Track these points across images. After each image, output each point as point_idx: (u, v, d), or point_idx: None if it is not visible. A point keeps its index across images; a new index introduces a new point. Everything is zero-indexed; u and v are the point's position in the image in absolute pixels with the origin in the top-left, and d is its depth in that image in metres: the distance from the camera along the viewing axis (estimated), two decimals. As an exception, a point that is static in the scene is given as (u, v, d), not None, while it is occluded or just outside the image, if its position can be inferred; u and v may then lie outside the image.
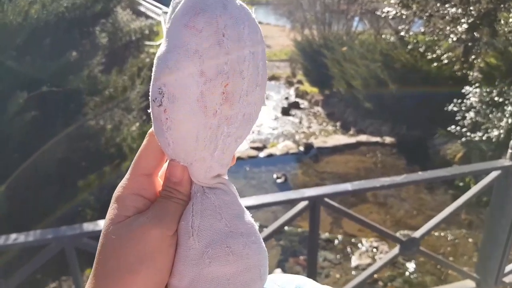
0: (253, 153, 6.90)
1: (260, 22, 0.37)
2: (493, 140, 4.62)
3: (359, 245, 4.35)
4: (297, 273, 3.87)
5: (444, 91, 6.13)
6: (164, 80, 0.33)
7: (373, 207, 5.14)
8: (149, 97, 0.35)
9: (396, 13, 6.94)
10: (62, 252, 1.53)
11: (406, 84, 6.90)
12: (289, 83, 11.88)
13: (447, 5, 6.11)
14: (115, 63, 3.50)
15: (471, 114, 5.10)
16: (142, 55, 4.46)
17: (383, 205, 5.20)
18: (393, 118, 7.45)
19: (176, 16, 0.34)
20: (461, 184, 4.91)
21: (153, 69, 0.35)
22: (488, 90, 5.05)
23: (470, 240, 4.41)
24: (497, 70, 5.20)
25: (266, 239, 1.73)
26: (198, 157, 0.36)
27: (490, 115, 4.84)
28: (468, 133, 5.02)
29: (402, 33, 7.31)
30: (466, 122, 5.13)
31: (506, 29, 5.35)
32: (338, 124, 8.54)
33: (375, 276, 3.48)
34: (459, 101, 5.36)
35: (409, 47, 7.01)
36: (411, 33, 7.33)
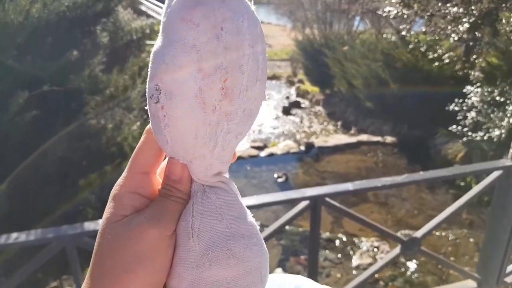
0: (254, 152, 6.90)
1: (261, 22, 0.36)
2: (494, 139, 4.62)
3: (360, 244, 4.35)
4: (298, 272, 3.87)
5: (446, 91, 6.13)
6: (160, 76, 0.33)
7: (374, 207, 5.14)
8: (146, 94, 0.34)
9: (397, 12, 6.93)
10: (63, 251, 1.53)
11: (407, 84, 6.89)
12: (290, 83, 11.87)
13: (448, 5, 6.10)
14: (116, 62, 3.50)
15: (472, 113, 5.10)
16: (143, 55, 4.46)
17: (384, 205, 5.19)
18: (394, 118, 7.44)
19: (172, 10, 0.33)
20: (462, 184, 4.91)
21: (149, 65, 0.34)
22: (489, 89, 5.04)
23: (471, 240, 4.41)
24: (498, 70, 5.19)
25: (267, 238, 1.73)
26: (198, 154, 0.35)
27: (492, 115, 4.83)
28: (470, 133, 5.01)
29: (403, 33, 7.30)
30: (467, 121, 5.13)
31: (507, 29, 5.33)
32: (339, 123, 8.53)
33: (376, 275, 3.48)
34: (461, 100, 5.35)
35: (410, 46, 7.00)
36: (412, 32, 7.33)
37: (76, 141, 2.85)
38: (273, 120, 8.84)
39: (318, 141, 7.36)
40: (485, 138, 4.74)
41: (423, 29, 6.99)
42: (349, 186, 1.74)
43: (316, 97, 10.09)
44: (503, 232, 2.03)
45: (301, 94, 10.65)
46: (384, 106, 7.52)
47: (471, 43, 6.02)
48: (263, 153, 6.93)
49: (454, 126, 5.28)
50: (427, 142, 6.60)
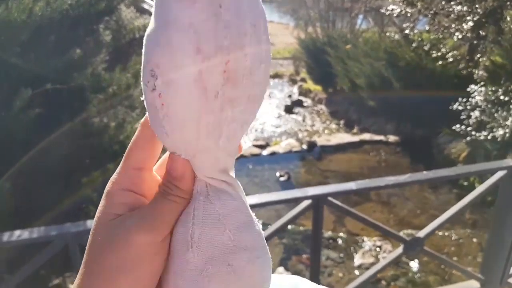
0: (256, 151, 6.89)
1: None
2: (498, 139, 4.59)
3: (363, 244, 4.34)
4: (300, 271, 3.87)
5: (449, 90, 6.10)
6: (156, 61, 0.29)
7: (376, 206, 5.13)
8: (141, 82, 0.31)
9: (401, 11, 6.90)
10: (66, 248, 1.53)
11: (410, 83, 6.87)
12: (293, 81, 11.86)
13: (452, 3, 6.07)
14: (119, 60, 3.50)
15: (476, 113, 5.07)
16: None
17: (386, 204, 5.18)
18: (397, 117, 7.42)
19: None
20: (465, 183, 4.89)
21: (143, 50, 0.31)
22: (493, 89, 5.01)
23: (475, 240, 4.39)
24: (502, 69, 5.16)
25: (269, 237, 1.73)
26: (201, 146, 0.32)
27: (496, 114, 4.80)
28: (473, 132, 4.99)
29: (407, 31, 7.27)
30: (471, 121, 5.10)
31: (512, 27, 5.30)
32: (341, 122, 8.52)
33: (378, 275, 3.47)
34: (464, 100, 5.32)
35: (414, 45, 6.97)
36: (415, 31, 7.29)
37: (79, 139, 2.86)
38: (276, 119, 8.83)
39: (321, 140, 7.35)
40: (489, 137, 4.72)
41: (427, 28, 6.96)
42: (352, 185, 1.74)
43: (319, 96, 10.07)
44: (507, 233, 2.02)
45: (304, 92, 10.63)
46: (387, 105, 7.50)
47: (475, 42, 5.99)
48: (265, 152, 6.93)
49: (458, 126, 5.26)
50: (430, 141, 6.58)
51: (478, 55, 5.91)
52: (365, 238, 4.40)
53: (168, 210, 0.33)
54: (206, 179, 0.34)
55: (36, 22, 2.44)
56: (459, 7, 5.94)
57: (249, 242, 0.34)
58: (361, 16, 11.20)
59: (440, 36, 6.62)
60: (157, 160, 0.37)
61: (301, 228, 4.53)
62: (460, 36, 5.98)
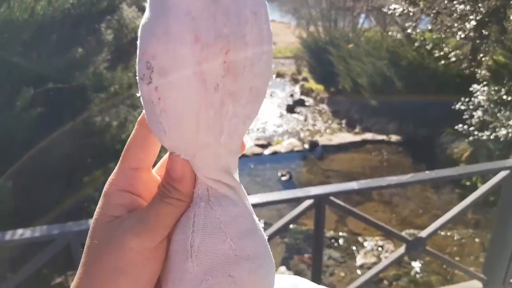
0: (258, 150, 6.89)
1: None
2: (501, 139, 4.58)
3: (364, 243, 4.34)
4: (301, 270, 3.87)
5: (452, 89, 6.08)
6: (152, 52, 0.28)
7: (378, 206, 5.12)
8: (137, 76, 0.29)
9: (403, 10, 6.88)
10: (68, 247, 1.53)
11: (412, 82, 6.85)
12: (294, 81, 11.85)
13: (455, 2, 6.04)
14: (121, 59, 3.50)
15: (478, 112, 5.05)
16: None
17: (388, 204, 5.17)
18: (399, 116, 7.40)
19: None
20: (468, 183, 4.88)
21: (138, 41, 0.29)
22: (496, 88, 4.99)
23: (477, 240, 4.38)
24: (505, 68, 5.14)
25: (271, 237, 1.72)
26: (202, 143, 0.30)
27: (498, 114, 4.79)
28: (476, 132, 4.97)
29: (409, 30, 7.25)
30: (473, 120, 5.09)
31: (515, 27, 5.28)
32: (343, 122, 8.51)
33: (380, 275, 3.47)
34: (467, 99, 5.31)
35: (416, 44, 6.95)
36: (418, 30, 7.28)
37: (81, 138, 2.86)
38: (277, 118, 8.83)
39: (322, 140, 7.34)
40: (492, 137, 4.70)
41: (429, 27, 6.94)
42: (354, 185, 1.73)
43: (321, 95, 10.06)
44: (510, 233, 2.02)
45: (306, 92, 10.62)
46: (389, 105, 7.48)
47: (477, 41, 5.96)
48: (267, 151, 6.92)
49: (460, 125, 5.24)
50: (433, 141, 6.56)
51: (481, 55, 5.89)
52: (367, 238, 4.39)
53: (166, 213, 0.31)
54: (207, 181, 0.32)
55: (38, 21, 2.44)
56: (461, 6, 5.92)
57: (251, 251, 0.33)
58: (363, 15, 11.18)
59: (443, 36, 6.61)
60: (155, 160, 0.36)
61: (303, 227, 4.53)
62: (462, 36, 5.96)
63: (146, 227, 0.31)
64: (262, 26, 0.30)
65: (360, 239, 4.41)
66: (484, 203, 4.48)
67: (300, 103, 9.78)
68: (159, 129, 0.29)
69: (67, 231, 1.51)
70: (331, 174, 6.18)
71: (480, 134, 4.89)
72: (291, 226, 3.89)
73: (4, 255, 2.26)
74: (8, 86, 2.41)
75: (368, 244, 4.32)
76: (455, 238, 4.41)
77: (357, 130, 7.91)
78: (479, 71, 5.66)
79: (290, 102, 9.73)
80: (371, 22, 11.11)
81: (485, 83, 5.25)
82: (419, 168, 6.08)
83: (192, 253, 0.31)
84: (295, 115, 9.08)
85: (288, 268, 3.92)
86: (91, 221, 0.33)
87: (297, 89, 11.12)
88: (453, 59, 6.43)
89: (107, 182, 0.34)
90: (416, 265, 3.95)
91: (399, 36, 7.81)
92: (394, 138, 7.24)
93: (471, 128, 5.08)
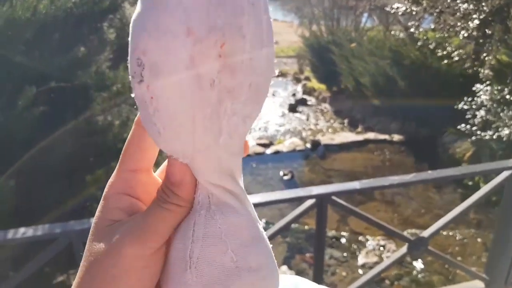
0: (260, 149, 6.89)
1: None
2: (504, 139, 4.56)
3: (366, 243, 4.33)
4: (303, 270, 3.86)
5: (455, 89, 6.06)
6: (142, 47, 0.26)
7: (380, 205, 5.11)
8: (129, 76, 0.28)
9: (406, 9, 6.86)
10: (70, 246, 1.54)
11: (415, 82, 6.83)
12: (297, 80, 11.83)
13: (458, 1, 6.02)
14: (123, 58, 3.50)
15: (481, 112, 5.04)
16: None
17: (390, 204, 5.17)
18: (402, 116, 7.39)
19: None
20: (470, 183, 4.86)
21: (129, 38, 0.27)
22: (499, 88, 4.97)
23: (479, 240, 4.37)
24: (508, 68, 5.12)
25: (272, 236, 1.72)
26: (199, 145, 0.28)
27: (501, 114, 4.77)
28: (478, 132, 4.96)
29: (412, 30, 7.23)
30: (476, 120, 5.07)
31: (518, 26, 5.26)
32: (345, 121, 8.49)
33: (382, 274, 3.47)
34: (470, 99, 5.29)
35: (419, 44, 6.93)
36: (421, 29, 7.25)
37: (83, 137, 2.87)
38: (279, 118, 8.82)
39: (325, 139, 7.34)
40: (494, 137, 4.68)
41: (432, 26, 6.92)
42: (356, 184, 1.73)
43: (323, 95, 10.04)
44: (512, 233, 2.01)
45: (308, 91, 10.61)
46: (391, 104, 7.47)
47: (481, 41, 5.94)
48: (269, 151, 6.92)
49: (463, 125, 5.22)
50: (435, 140, 6.54)
51: (484, 54, 5.87)
52: (369, 237, 4.39)
53: (163, 219, 0.30)
54: (208, 186, 0.30)
55: (40, 20, 2.45)
56: (465, 5, 5.90)
57: (254, 262, 0.31)
58: (366, 14, 11.15)
59: (446, 35, 6.58)
60: (155, 161, 0.35)
61: (305, 227, 4.53)
62: (465, 35, 5.94)
63: (142, 233, 0.29)
64: (261, 17, 0.28)
65: (361, 238, 4.40)
66: (486, 203, 4.47)
67: (302, 102, 9.77)
68: (154, 130, 0.28)
69: (69, 230, 1.51)
70: (333, 174, 6.18)
71: (483, 133, 4.87)
72: (293, 225, 3.89)
73: (6, 254, 2.26)
74: (10, 85, 2.41)
75: (370, 243, 4.31)
76: (457, 238, 4.40)
77: (359, 129, 7.90)
78: (482, 71, 5.64)
79: (292, 102, 9.72)
80: (374, 21, 11.08)
81: (488, 82, 5.24)
82: (421, 167, 6.07)
83: (191, 264, 0.29)
84: (297, 115, 9.07)
85: (290, 268, 3.92)
86: (92, 224, 0.33)
87: (299, 88, 11.10)
88: (456, 58, 6.41)
89: (107, 184, 0.33)
90: (418, 264, 3.94)
91: (402, 35, 7.79)
92: (396, 137, 7.22)
93: (474, 128, 5.07)
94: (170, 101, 0.27)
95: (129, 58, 0.27)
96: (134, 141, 0.32)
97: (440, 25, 6.48)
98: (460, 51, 6.40)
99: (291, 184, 5.87)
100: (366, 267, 3.94)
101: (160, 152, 0.34)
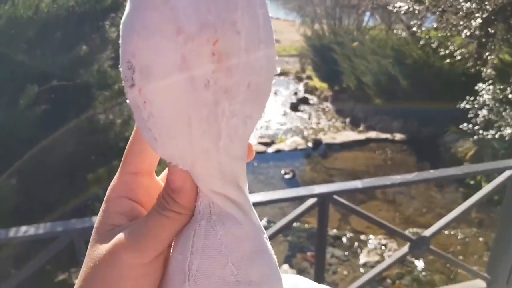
0: (261, 148, 6.89)
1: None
2: (506, 138, 4.55)
3: (368, 242, 4.33)
4: (304, 269, 3.86)
5: (457, 88, 6.05)
6: (132, 50, 0.25)
7: (382, 205, 5.10)
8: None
9: (408, 8, 6.83)
10: (72, 244, 1.54)
11: (417, 81, 6.82)
12: (298, 79, 11.82)
13: (461, 0, 6.00)
14: (125, 57, 3.50)
15: (483, 111, 5.02)
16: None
17: (392, 203, 5.16)
18: (404, 115, 7.38)
19: None
20: (472, 182, 4.85)
21: (120, 40, 0.26)
22: (501, 87, 4.96)
23: (481, 239, 4.36)
24: (511, 67, 5.10)
25: (274, 235, 1.72)
26: (198, 150, 0.27)
27: (504, 113, 4.75)
28: (481, 131, 4.94)
29: (414, 29, 7.20)
30: (478, 119, 5.05)
31: (521, 25, 5.24)
32: (347, 120, 8.48)
33: (383, 273, 3.46)
34: (472, 98, 5.27)
35: (421, 42, 6.91)
36: (423, 28, 7.23)
37: (85, 135, 2.87)
38: (281, 116, 8.82)
39: (326, 138, 7.33)
40: (497, 136, 4.67)
41: (435, 25, 6.89)
42: (358, 183, 1.73)
43: (325, 94, 10.03)
44: (514, 232, 2.00)
45: (310, 90, 10.60)
46: (393, 103, 7.46)
47: (483, 40, 5.92)
48: (270, 149, 6.92)
49: (465, 124, 5.21)
50: (437, 140, 6.53)
51: (487, 53, 5.85)
52: (370, 236, 4.38)
53: (162, 227, 0.29)
54: (210, 194, 0.29)
55: (42, 19, 2.45)
56: (467, 4, 5.88)
57: (255, 276, 0.29)
58: (368, 13, 11.13)
59: (448, 34, 6.56)
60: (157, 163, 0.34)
61: (306, 225, 4.53)
62: (468, 34, 5.91)
63: (140, 240, 0.28)
64: (256, 12, 0.26)
65: (363, 237, 4.40)
66: (488, 202, 4.45)
67: (304, 101, 9.76)
68: (150, 136, 0.27)
69: (71, 229, 1.51)
70: (335, 173, 6.17)
71: (485, 133, 4.86)
72: (294, 224, 3.89)
73: (8, 252, 2.27)
74: (12, 83, 2.42)
75: (371, 242, 4.31)
76: (458, 237, 4.39)
77: (361, 128, 7.89)
78: (484, 70, 5.62)
79: (294, 100, 9.71)
80: (376, 20, 11.05)
81: (490, 81, 5.22)
82: (423, 166, 6.06)
83: (190, 277, 0.28)
84: (299, 113, 9.07)
85: (291, 266, 3.92)
86: (93, 228, 0.32)
87: (301, 87, 11.09)
88: (459, 57, 6.38)
89: (109, 186, 0.32)
90: (420, 263, 3.94)
91: (404, 34, 7.77)
92: (398, 136, 7.21)
93: (476, 127, 5.05)
94: (164, 104, 0.25)
95: (120, 61, 0.26)
96: (136, 143, 0.31)
97: (443, 24, 6.46)
98: (463, 50, 6.38)
99: (292, 183, 5.87)
100: (367, 266, 3.94)
101: None
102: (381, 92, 7.66)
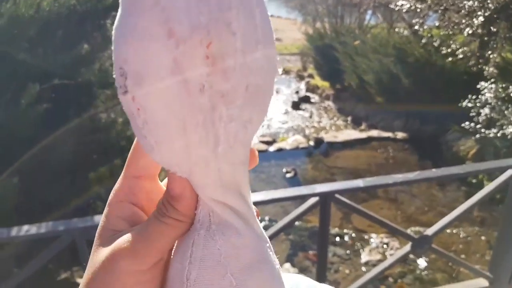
0: (263, 147, 6.89)
1: (271, 15, 0.28)
2: (508, 137, 4.53)
3: (369, 241, 4.32)
4: (306, 267, 3.86)
5: (459, 87, 6.03)
6: (124, 55, 0.24)
7: (384, 203, 5.10)
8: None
9: (410, 6, 6.81)
10: (74, 243, 1.54)
11: (419, 79, 6.80)
12: (300, 77, 11.81)
13: (463, -2, 5.98)
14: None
15: (486, 110, 5.01)
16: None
17: (394, 201, 5.15)
18: (405, 114, 7.36)
19: None
20: (474, 181, 4.84)
21: (112, 46, 0.25)
22: (504, 85, 4.94)
23: (483, 237, 4.35)
24: (513, 65, 5.09)
25: (275, 234, 1.72)
26: (196, 157, 0.26)
27: (506, 112, 4.74)
28: (483, 130, 4.93)
29: (416, 27, 7.18)
30: (480, 118, 5.04)
31: (524, 23, 5.22)
32: (349, 118, 8.47)
33: (385, 272, 3.46)
34: (474, 97, 5.26)
35: (423, 41, 6.89)
36: (425, 27, 7.21)
37: (86, 134, 2.87)
38: (282, 115, 8.81)
39: (328, 137, 7.32)
40: (499, 135, 4.66)
41: (437, 24, 6.87)
42: (359, 182, 1.72)
43: (326, 92, 10.02)
44: (517, 231, 1.99)
45: (311, 88, 10.59)
46: (395, 102, 7.44)
47: (485, 38, 5.90)
48: (271, 148, 6.92)
49: (467, 123, 5.20)
50: (439, 138, 6.52)
51: (489, 52, 5.82)
52: (372, 235, 4.38)
53: (161, 234, 0.28)
54: (210, 202, 0.28)
55: (43, 18, 2.45)
56: (470, 3, 5.85)
57: (255, 287, 0.29)
58: (370, 12, 11.10)
59: (450, 32, 6.54)
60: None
61: (308, 224, 4.52)
62: (470, 32, 5.89)
63: (138, 247, 0.28)
64: (253, 11, 0.25)
65: (365, 236, 4.39)
66: (491, 201, 4.45)
67: (306, 99, 9.75)
68: (146, 144, 0.26)
69: (72, 228, 1.51)
70: (336, 171, 6.17)
71: (487, 131, 4.85)
72: (296, 223, 3.89)
73: (10, 251, 2.27)
74: (14, 82, 2.42)
75: (373, 241, 4.30)
76: (461, 235, 4.38)
77: (362, 127, 7.88)
78: (486, 68, 5.60)
79: (296, 99, 9.70)
80: (378, 18, 11.03)
81: (492, 80, 5.20)
82: (425, 165, 6.05)
83: (188, 287, 0.28)
84: (300, 112, 9.06)
85: (293, 265, 3.92)
86: (96, 232, 0.32)
87: (302, 85, 11.08)
88: (461, 56, 6.37)
89: (112, 189, 0.32)
90: (422, 262, 3.93)
91: (406, 32, 7.75)
92: (400, 135, 7.20)
93: (478, 126, 5.04)
94: (158, 111, 0.24)
95: (114, 68, 0.25)
96: (138, 147, 0.31)
97: (445, 22, 6.44)
98: (465, 48, 6.36)
99: (294, 181, 5.86)
100: (369, 264, 3.93)
101: None
102: (383, 90, 7.65)
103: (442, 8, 6.38)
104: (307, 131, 7.91)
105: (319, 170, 6.30)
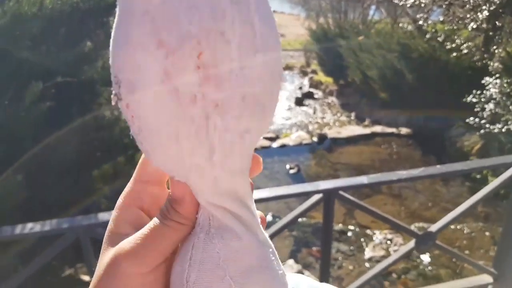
0: (266, 143, 6.88)
1: (274, 11, 0.27)
2: (513, 132, 4.51)
3: (373, 237, 4.32)
4: (310, 264, 3.87)
5: (463, 82, 5.99)
6: (118, 65, 0.25)
7: (387, 199, 5.09)
8: None
9: (415, 1, 6.77)
10: (78, 241, 1.55)
11: (423, 75, 6.76)
12: (303, 73, 11.78)
13: (467, -7, 5.92)
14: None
15: (490, 105, 4.97)
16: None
17: (397, 197, 5.14)
18: (409, 109, 7.33)
19: None
20: (478, 176, 4.82)
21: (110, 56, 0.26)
22: (508, 81, 4.90)
23: (487, 233, 4.34)
24: (519, 60, 5.05)
25: (279, 231, 1.72)
26: (190, 165, 0.26)
27: (511, 107, 4.71)
28: (487, 125, 4.90)
29: (420, 22, 7.14)
30: (485, 113, 5.01)
31: (529, 17, 5.17)
32: (352, 114, 8.44)
33: (389, 268, 3.46)
34: (478, 92, 5.23)
35: (427, 36, 6.85)
36: (429, 22, 7.16)
37: (90, 132, 2.88)
38: (286, 111, 8.80)
39: (331, 132, 7.31)
40: (503, 130, 4.63)
41: (441, 18, 6.82)
42: (363, 179, 1.71)
43: (330, 88, 9.99)
44: (521, 228, 1.98)
45: (315, 84, 10.56)
46: (399, 97, 7.41)
47: (490, 33, 5.85)
48: (275, 144, 6.91)
49: (472, 118, 5.17)
50: (443, 134, 6.49)
51: (494, 47, 5.78)
52: (376, 231, 4.37)
53: (162, 236, 0.28)
54: (209, 206, 0.28)
55: (46, 15, 2.45)
56: (474, -3, 5.81)
57: None
58: (373, 7, 11.03)
59: (455, 27, 6.49)
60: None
61: (312, 220, 4.53)
62: (475, 27, 5.85)
63: (139, 250, 0.28)
64: (251, 17, 0.24)
65: (368, 232, 4.39)
66: (495, 196, 4.42)
67: (309, 95, 9.73)
68: (144, 149, 0.27)
69: (76, 225, 1.52)
70: (340, 167, 6.16)
71: (491, 127, 4.82)
72: (299, 219, 3.89)
73: (14, 249, 2.29)
74: (17, 80, 2.43)
75: (377, 237, 4.30)
76: (465, 231, 4.37)
77: (366, 122, 7.85)
78: (491, 63, 5.56)
79: (299, 95, 9.68)
80: (382, 13, 10.96)
81: (497, 75, 5.16)
82: (429, 161, 6.03)
83: None
84: (303, 108, 9.04)
85: (297, 261, 3.92)
86: (105, 235, 0.32)
87: (306, 81, 11.05)
88: (465, 51, 6.32)
89: (122, 193, 0.32)
90: (425, 258, 3.93)
91: (410, 27, 7.70)
92: (404, 131, 7.17)
93: (483, 121, 5.01)
94: (150, 119, 0.25)
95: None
96: None
97: (449, 17, 6.39)
98: (469, 43, 6.31)
99: (297, 178, 5.86)
100: (373, 260, 3.93)
101: None
102: (387, 86, 7.61)
103: (446, 2, 6.33)
104: (310, 127, 7.90)
105: (322, 166, 6.29)
